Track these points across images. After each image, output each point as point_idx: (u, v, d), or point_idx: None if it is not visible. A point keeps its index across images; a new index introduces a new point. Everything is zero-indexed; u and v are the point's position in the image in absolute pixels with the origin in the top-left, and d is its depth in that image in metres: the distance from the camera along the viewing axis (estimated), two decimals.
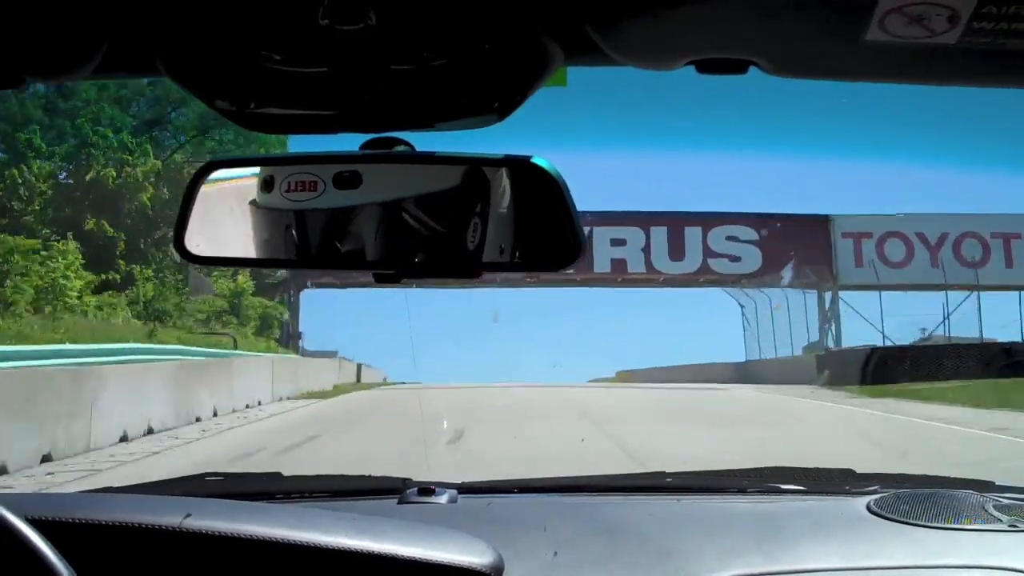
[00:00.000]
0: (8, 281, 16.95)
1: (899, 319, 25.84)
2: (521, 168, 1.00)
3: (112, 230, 22.59)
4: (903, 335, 24.07)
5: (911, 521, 1.36)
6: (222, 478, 1.84)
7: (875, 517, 1.41)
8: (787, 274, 26.08)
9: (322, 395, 18.82)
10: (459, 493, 1.58)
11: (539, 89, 0.96)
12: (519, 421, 11.06)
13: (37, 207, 22.84)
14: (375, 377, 32.84)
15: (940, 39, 0.76)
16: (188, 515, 1.06)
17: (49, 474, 7.63)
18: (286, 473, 1.86)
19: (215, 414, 12.99)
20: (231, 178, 1.08)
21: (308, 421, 12.69)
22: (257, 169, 1.06)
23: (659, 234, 26.43)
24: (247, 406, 14.61)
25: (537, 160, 0.99)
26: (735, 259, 26.39)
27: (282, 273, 24.60)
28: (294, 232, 1.04)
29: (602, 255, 25.55)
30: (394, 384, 26.30)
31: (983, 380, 15.28)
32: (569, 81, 1.12)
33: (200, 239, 1.07)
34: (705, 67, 0.86)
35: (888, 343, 23.11)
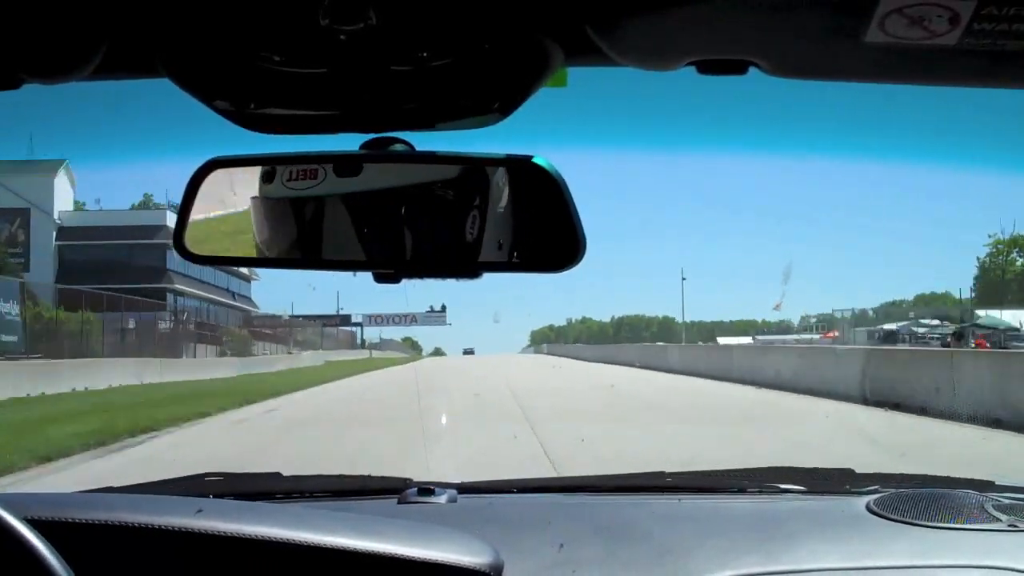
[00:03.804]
0: None
1: None
2: (522, 168, 1.00)
3: None
4: None
5: (911, 521, 1.36)
6: (221, 478, 1.83)
7: (875, 517, 1.41)
8: None
9: None
10: (459, 493, 1.59)
11: (540, 90, 0.96)
12: None
13: None
14: None
15: (941, 40, 0.76)
16: (199, 510, 1.06)
17: None
18: (286, 473, 1.86)
19: None
20: (232, 178, 1.08)
21: None
22: (259, 169, 1.06)
23: None
24: None
25: (538, 160, 0.99)
26: None
27: None
28: (294, 232, 1.04)
29: None
30: None
31: None
32: (570, 81, 1.12)
33: (200, 238, 1.07)
34: (705, 68, 0.86)
35: None
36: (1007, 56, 0.78)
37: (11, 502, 0.91)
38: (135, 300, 27.76)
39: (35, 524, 0.88)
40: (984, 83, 0.87)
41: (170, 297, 36.28)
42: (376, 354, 50.22)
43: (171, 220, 36.53)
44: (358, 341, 55.40)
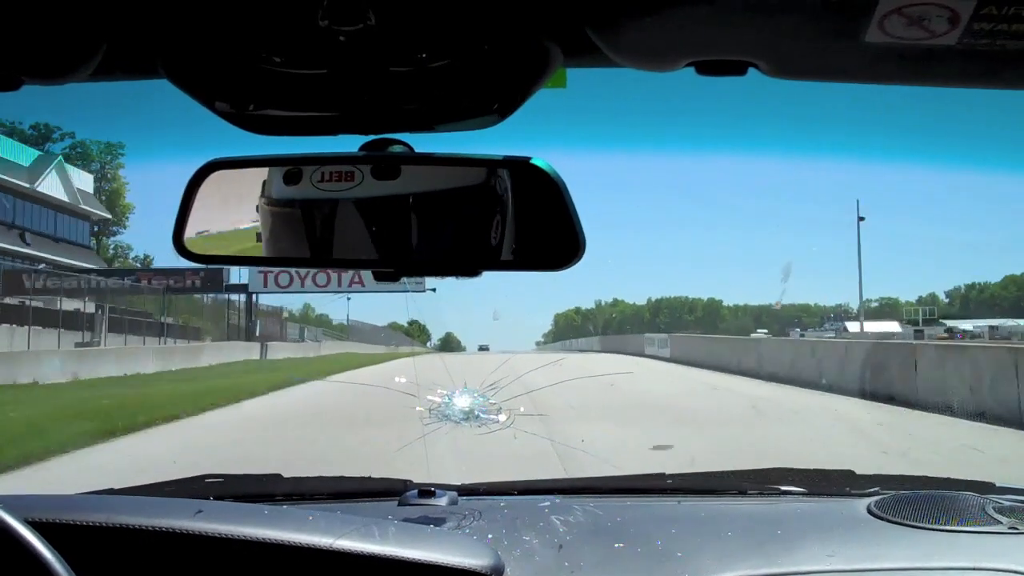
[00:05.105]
0: None
1: None
2: (521, 169, 1.00)
3: None
4: None
5: (911, 523, 1.36)
6: (221, 480, 1.83)
7: (875, 519, 1.41)
8: None
9: None
10: (459, 495, 1.58)
11: (539, 90, 0.96)
12: None
13: None
14: None
15: (940, 40, 0.76)
16: (199, 512, 1.06)
17: None
18: (286, 475, 1.86)
19: None
20: (231, 178, 1.08)
21: None
22: (258, 169, 1.06)
23: None
24: None
25: (536, 161, 0.99)
26: None
27: None
28: (293, 231, 1.04)
29: None
30: None
31: None
32: (569, 82, 1.12)
33: (199, 238, 1.07)
34: (704, 69, 0.86)
35: None
36: (1007, 56, 0.78)
37: (12, 504, 0.91)
38: None
39: (36, 526, 0.88)
40: (984, 84, 0.87)
41: None
42: (290, 354, 29.02)
43: None
44: (266, 325, 31.64)
